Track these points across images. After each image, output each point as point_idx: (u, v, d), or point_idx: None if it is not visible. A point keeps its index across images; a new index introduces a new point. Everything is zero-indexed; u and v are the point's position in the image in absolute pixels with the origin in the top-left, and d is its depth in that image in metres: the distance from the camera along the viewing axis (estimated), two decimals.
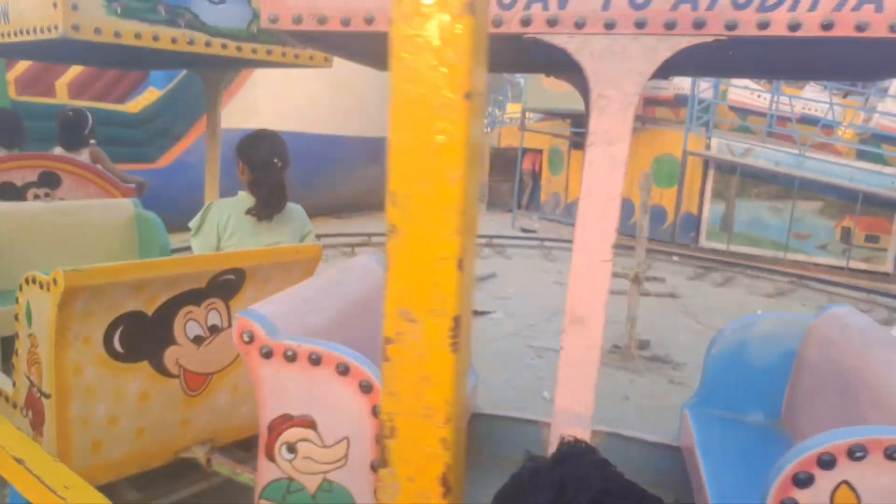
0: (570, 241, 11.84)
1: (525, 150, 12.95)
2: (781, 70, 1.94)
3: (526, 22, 1.17)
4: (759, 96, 11.55)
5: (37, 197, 4.02)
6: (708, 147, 10.92)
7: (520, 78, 14.85)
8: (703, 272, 9.58)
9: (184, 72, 5.40)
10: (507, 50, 1.33)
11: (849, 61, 1.60)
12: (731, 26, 1.07)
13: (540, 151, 13.27)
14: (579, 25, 1.14)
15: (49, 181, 4.08)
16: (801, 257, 10.28)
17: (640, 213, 5.36)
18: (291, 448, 1.58)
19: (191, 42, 2.57)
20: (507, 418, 2.53)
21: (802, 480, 1.19)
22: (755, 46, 1.22)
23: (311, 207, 12.04)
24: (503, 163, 13.82)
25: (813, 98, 11.39)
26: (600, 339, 1.22)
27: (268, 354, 1.61)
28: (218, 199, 3.06)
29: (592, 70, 1.17)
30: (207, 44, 2.62)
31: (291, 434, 1.58)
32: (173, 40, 2.54)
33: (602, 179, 1.19)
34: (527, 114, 12.57)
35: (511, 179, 13.55)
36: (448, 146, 0.54)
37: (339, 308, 2.09)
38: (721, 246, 10.93)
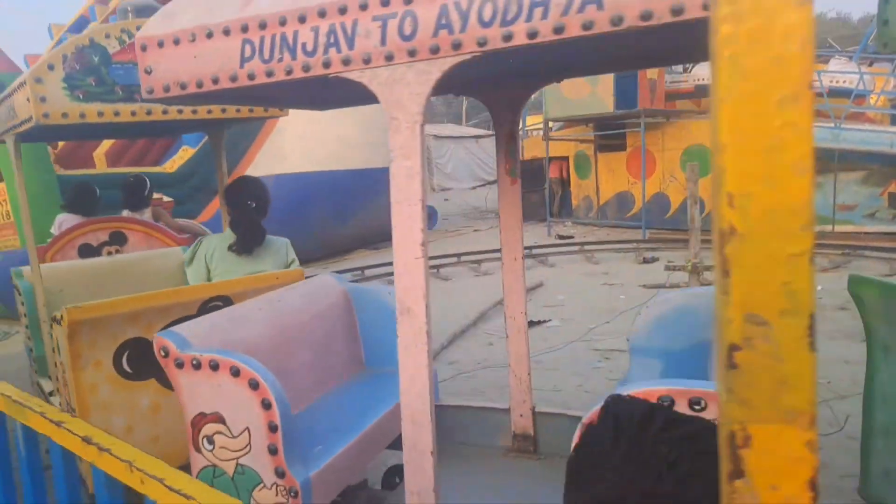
0: (609, 242, 11.65)
1: (550, 159, 13.04)
2: (580, 68, 2.12)
3: (327, 64, 1.42)
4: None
5: (109, 253, 4.67)
6: None
7: None
8: None
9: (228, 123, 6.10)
10: (327, 90, 1.56)
11: (633, 52, 1.77)
12: (481, 43, 1.25)
13: (565, 158, 13.33)
14: (366, 61, 1.38)
15: (118, 239, 4.79)
16: (849, 228, 9.88)
17: (690, 205, 5.46)
18: (210, 440, 1.89)
19: (149, 113, 2.95)
20: (468, 407, 2.75)
21: None
22: (543, 51, 1.42)
23: (346, 241, 12.41)
24: (529, 174, 13.90)
25: (839, 70, 11.02)
26: (426, 326, 1.43)
27: (180, 365, 1.93)
28: (208, 235, 3.47)
29: (383, 97, 1.40)
30: (164, 111, 2.99)
31: (208, 428, 1.90)
32: (132, 113, 2.92)
33: (404, 188, 1.41)
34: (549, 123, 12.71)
35: (539, 190, 13.60)
36: (794, 139, 0.51)
37: (271, 321, 2.39)
38: None
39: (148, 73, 1.65)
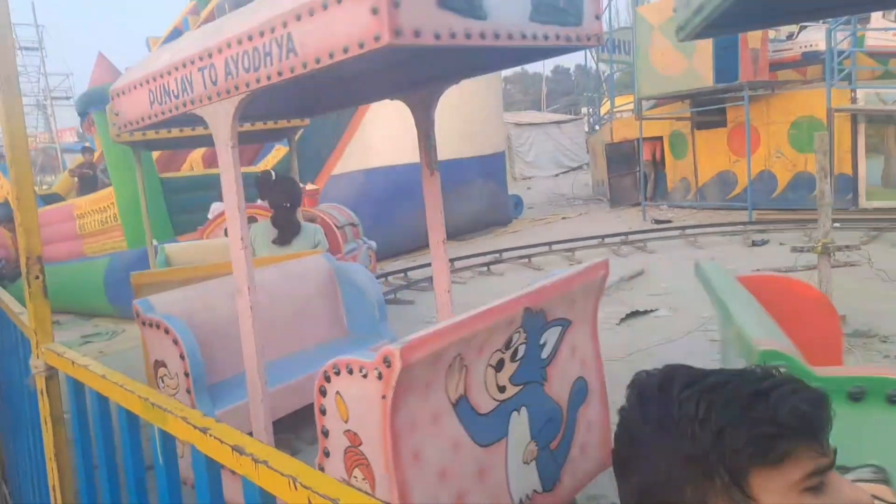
0: (712, 225, 11.13)
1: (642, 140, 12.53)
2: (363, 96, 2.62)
3: (185, 104, 1.92)
4: None
5: None
6: (854, 100, 9.73)
7: (615, 71, 14.44)
8: (877, 234, 8.46)
9: (302, 129, 7.06)
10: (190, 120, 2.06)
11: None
12: (248, 84, 1.66)
13: (658, 139, 12.74)
14: (201, 101, 1.86)
15: (252, 223, 5.91)
16: None
17: (819, 178, 4.97)
18: (162, 380, 2.52)
19: (193, 129, 3.80)
20: None
21: (322, 391, 1.69)
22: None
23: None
24: (620, 157, 13.39)
25: None
26: (250, 301, 1.86)
27: (143, 323, 2.58)
28: (256, 222, 4.37)
29: (212, 127, 1.85)
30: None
31: (160, 371, 2.54)
32: (188, 129, 3.84)
33: (228, 195, 1.87)
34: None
35: (630, 173, 13.09)
36: None
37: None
38: (887, 203, 9.60)
39: (116, 114, 2.28)
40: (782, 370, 0.77)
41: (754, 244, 9.09)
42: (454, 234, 11.74)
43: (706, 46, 10.41)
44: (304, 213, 6.54)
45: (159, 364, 2.50)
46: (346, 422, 1.66)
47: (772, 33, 10.99)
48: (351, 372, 1.62)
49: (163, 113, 1.98)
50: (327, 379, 1.69)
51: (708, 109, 11.37)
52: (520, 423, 1.94)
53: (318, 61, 1.42)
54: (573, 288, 2.10)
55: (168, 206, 7.12)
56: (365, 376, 1.58)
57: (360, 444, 1.63)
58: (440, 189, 2.74)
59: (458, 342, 1.65)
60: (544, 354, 2.03)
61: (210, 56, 1.69)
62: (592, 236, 10.13)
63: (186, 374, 2.37)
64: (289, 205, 3.90)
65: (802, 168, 10.41)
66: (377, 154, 10.09)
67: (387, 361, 1.52)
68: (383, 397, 1.54)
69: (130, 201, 6.99)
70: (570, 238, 10.11)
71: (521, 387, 1.89)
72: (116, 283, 7.06)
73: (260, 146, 8.67)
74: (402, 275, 8.43)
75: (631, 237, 10.00)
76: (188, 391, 2.39)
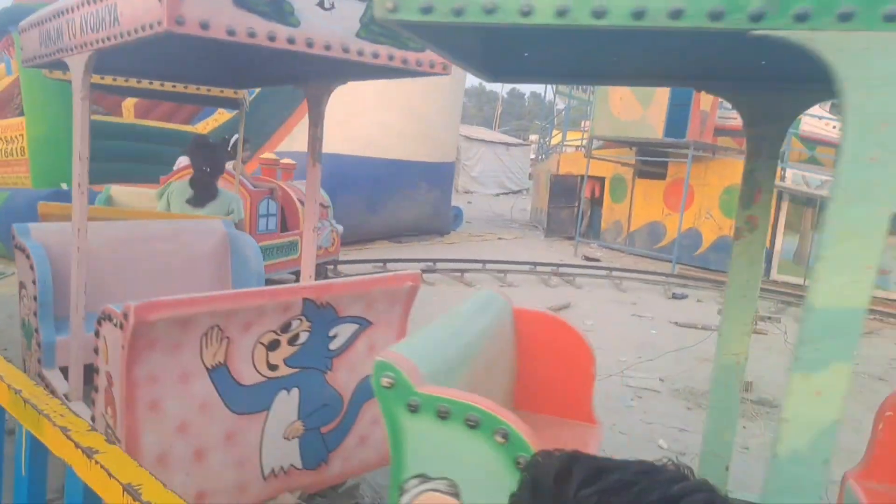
0: (637, 271, 11.23)
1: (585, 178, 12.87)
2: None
3: (60, 51, 2.00)
4: (833, 126, 10.67)
5: None
6: (783, 179, 10.29)
7: (561, 105, 14.87)
8: (783, 307, 8.88)
9: (251, 96, 6.94)
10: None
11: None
12: (93, 43, 1.73)
13: (601, 179, 13.16)
14: (69, 50, 1.94)
15: None
16: (880, 294, 9.25)
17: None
18: (22, 301, 2.70)
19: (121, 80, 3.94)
20: None
21: (97, 333, 1.86)
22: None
23: (371, 230, 12.66)
24: (562, 190, 13.79)
25: None
26: (79, 244, 1.90)
27: (15, 247, 2.76)
28: (173, 181, 4.53)
29: (74, 76, 1.87)
30: (148, 83, 3.94)
31: (22, 293, 2.75)
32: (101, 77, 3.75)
33: (76, 143, 1.92)
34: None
35: (569, 206, 13.48)
36: None
37: (130, 239, 3.22)
38: (795, 279, 10.17)
39: (22, 49, 2.37)
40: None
41: (674, 296, 9.42)
42: (392, 234, 11.74)
43: (662, 99, 10.81)
44: (264, 183, 6.46)
45: (22, 286, 2.71)
46: (107, 363, 1.80)
47: (720, 98, 11.50)
48: (111, 320, 1.76)
49: (46, 55, 2.03)
50: (99, 323, 1.83)
51: (652, 160, 11.80)
52: (287, 402, 2.05)
53: (128, 34, 1.52)
54: (370, 291, 2.21)
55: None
56: (116, 325, 1.71)
57: (112, 385, 1.77)
58: (320, 180, 2.89)
59: (213, 314, 1.75)
60: (333, 346, 2.15)
61: (72, 11, 1.76)
62: (525, 262, 10.25)
63: (35, 299, 2.53)
64: (208, 170, 4.08)
65: (727, 232, 10.91)
66: (326, 140, 9.88)
67: (126, 315, 1.64)
68: (122, 347, 1.64)
69: (42, 136, 6.54)
70: (504, 259, 10.19)
71: (296, 370, 2.02)
72: (13, 220, 6.24)
73: (197, 108, 8.39)
74: (332, 267, 8.35)
75: (561, 269, 10.13)
76: (35, 314, 2.56)
